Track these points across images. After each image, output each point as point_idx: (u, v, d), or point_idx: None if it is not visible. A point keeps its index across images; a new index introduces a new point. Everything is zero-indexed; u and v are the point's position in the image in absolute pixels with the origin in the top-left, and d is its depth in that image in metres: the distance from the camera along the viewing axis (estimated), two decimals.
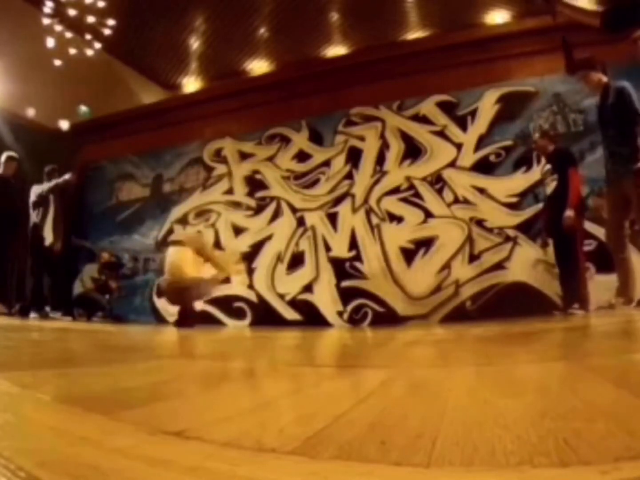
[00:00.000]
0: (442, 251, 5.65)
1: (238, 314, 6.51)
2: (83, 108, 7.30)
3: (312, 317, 6.01)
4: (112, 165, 8.07)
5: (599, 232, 4.66)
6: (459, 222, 5.65)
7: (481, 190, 5.65)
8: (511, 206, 5.46)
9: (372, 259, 5.97)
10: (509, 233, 5.41)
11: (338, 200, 6.29)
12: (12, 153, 5.56)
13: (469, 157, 5.79)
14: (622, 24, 2.00)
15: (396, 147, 6.15)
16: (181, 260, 4.75)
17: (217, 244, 6.80)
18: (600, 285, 4.27)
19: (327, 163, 6.47)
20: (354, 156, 6.34)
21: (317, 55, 7.37)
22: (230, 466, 0.43)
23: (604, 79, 3.62)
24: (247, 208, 6.82)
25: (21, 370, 1.19)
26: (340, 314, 5.99)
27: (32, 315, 5.30)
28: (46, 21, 5.95)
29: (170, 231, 7.18)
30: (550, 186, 4.41)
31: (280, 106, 6.86)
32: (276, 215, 6.61)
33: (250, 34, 7.09)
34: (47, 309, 5.38)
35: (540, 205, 5.14)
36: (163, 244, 6.81)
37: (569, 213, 4.05)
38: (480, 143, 5.76)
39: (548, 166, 4.53)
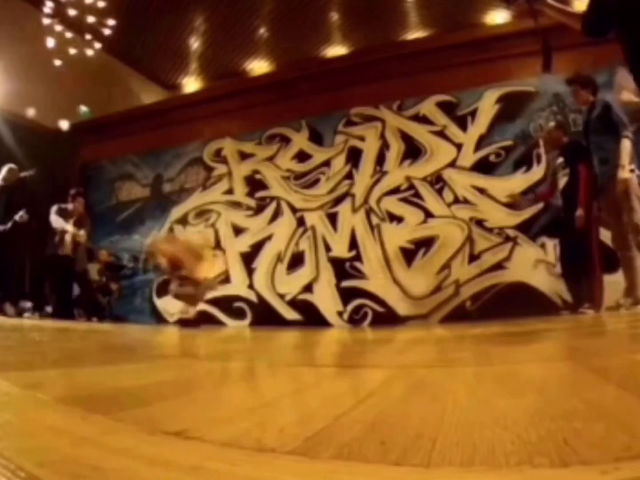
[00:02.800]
0: (442, 251, 5.65)
1: (238, 314, 6.50)
2: (83, 108, 7.31)
3: (312, 317, 6.01)
4: (112, 165, 8.06)
5: (602, 233, 4.64)
6: (459, 222, 5.65)
7: (481, 190, 5.64)
8: (511, 206, 5.46)
9: (372, 259, 5.97)
10: (509, 233, 5.40)
11: (338, 200, 6.29)
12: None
13: (469, 157, 5.79)
14: (602, 28, 2.01)
15: (396, 147, 6.14)
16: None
17: (217, 244, 6.81)
18: (606, 286, 4.21)
19: (327, 163, 6.46)
20: (354, 156, 6.33)
21: (317, 56, 7.38)
22: (230, 466, 0.43)
23: (591, 97, 3.93)
24: (247, 208, 6.82)
25: (21, 370, 1.19)
26: (340, 314, 5.98)
27: (28, 315, 5.30)
28: (46, 21, 5.96)
29: (171, 231, 7.17)
30: (562, 181, 4.32)
31: (280, 106, 6.85)
32: (276, 215, 6.61)
33: (250, 34, 7.10)
34: (48, 309, 5.38)
35: (540, 206, 5.13)
36: None
37: (580, 212, 3.96)
38: (480, 143, 5.75)
39: (560, 159, 4.42)
